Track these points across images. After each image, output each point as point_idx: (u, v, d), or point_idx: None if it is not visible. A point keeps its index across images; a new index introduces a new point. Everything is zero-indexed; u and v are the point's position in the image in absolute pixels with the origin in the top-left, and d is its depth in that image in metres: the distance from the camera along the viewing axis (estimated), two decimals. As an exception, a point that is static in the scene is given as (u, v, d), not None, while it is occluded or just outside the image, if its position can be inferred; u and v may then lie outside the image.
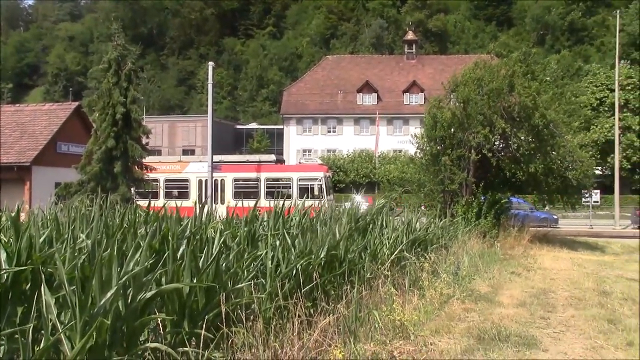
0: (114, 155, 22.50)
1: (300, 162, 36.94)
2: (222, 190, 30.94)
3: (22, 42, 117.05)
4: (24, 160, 26.41)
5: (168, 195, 29.37)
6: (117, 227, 6.24)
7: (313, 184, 29.50)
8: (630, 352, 7.26)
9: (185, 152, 63.77)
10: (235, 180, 31.13)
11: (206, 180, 30.88)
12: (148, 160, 26.65)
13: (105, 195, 10.50)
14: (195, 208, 7.80)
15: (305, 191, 29.13)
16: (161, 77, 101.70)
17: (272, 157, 34.45)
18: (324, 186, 29.63)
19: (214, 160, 31.38)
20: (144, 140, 24.40)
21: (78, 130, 29.00)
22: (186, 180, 30.95)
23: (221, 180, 31.11)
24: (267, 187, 30.19)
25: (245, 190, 30.02)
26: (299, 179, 30.35)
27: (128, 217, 6.76)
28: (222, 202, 28.89)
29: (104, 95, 23.00)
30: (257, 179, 30.81)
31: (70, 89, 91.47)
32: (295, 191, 29.48)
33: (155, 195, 29.04)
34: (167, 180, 31.49)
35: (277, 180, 30.89)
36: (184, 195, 29.51)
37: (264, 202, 15.75)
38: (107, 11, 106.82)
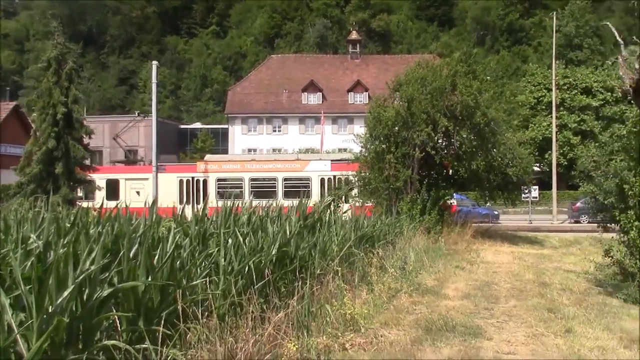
0: (55, 156, 22.05)
1: None
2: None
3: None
4: (-41, 162, 25.53)
5: (287, 195, 28.17)
6: (68, 228, 6.19)
7: None
8: (568, 339, 7.62)
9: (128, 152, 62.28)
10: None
11: (329, 179, 30.71)
12: (267, 157, 25.56)
13: (46, 197, 10.30)
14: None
15: None
16: (101, 77, 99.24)
17: None
18: None
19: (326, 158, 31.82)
20: (85, 141, 23.96)
21: (16, 131, 28.25)
22: (308, 179, 30.49)
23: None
24: None
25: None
26: None
27: (79, 218, 6.70)
28: None
29: (43, 94, 22.52)
30: None
31: (7, 88, 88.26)
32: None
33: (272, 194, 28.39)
34: (285, 179, 31.10)
35: None
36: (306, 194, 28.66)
37: None
38: (43, 8, 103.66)
